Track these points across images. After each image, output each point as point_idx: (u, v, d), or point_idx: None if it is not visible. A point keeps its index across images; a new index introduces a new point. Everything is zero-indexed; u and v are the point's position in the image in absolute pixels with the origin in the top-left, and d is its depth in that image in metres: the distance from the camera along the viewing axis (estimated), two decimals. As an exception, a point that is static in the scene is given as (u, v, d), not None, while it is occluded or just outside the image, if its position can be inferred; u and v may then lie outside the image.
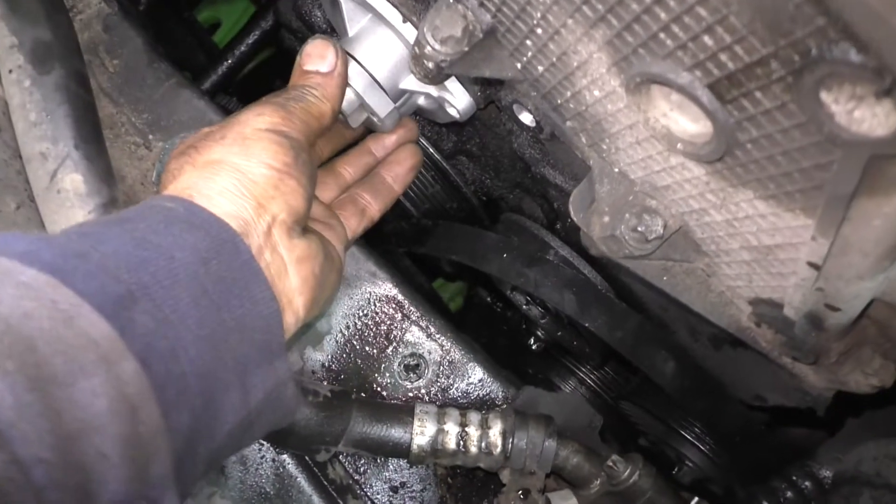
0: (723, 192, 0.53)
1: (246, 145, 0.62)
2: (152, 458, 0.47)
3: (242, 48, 1.40)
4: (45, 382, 0.42)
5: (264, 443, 0.79)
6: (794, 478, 0.83)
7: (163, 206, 0.57)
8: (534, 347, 1.15)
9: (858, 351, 0.64)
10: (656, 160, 0.56)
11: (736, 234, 0.57)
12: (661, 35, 0.44)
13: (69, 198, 0.67)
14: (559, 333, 1.08)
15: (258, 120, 0.64)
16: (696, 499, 0.88)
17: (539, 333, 1.14)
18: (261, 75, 1.58)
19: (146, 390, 0.47)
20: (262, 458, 0.80)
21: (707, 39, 0.41)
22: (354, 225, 0.82)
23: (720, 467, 0.98)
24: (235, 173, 0.60)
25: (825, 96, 0.37)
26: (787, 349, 0.66)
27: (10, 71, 0.69)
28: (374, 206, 0.84)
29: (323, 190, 0.83)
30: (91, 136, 0.70)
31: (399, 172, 0.88)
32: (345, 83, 0.75)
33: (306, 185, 0.64)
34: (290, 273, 0.62)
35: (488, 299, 1.44)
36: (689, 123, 0.50)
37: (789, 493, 0.82)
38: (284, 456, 0.80)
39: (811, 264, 0.51)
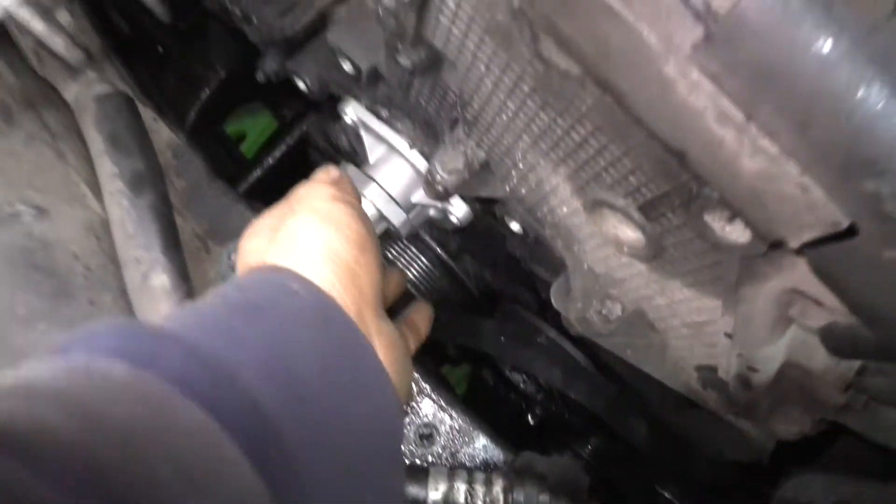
0: (660, 283, 0.71)
1: (321, 216, 0.59)
2: None
3: (270, 161, 1.62)
4: None
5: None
6: (755, 527, 0.97)
7: (287, 289, 0.54)
8: (532, 423, 1.29)
9: (783, 406, 0.80)
10: (612, 259, 0.75)
11: (675, 314, 0.74)
12: (603, 174, 0.63)
13: (157, 294, 0.85)
14: (552, 408, 1.23)
15: (320, 190, 0.62)
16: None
17: (536, 410, 1.29)
18: (284, 185, 1.78)
19: None
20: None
21: (632, 178, 0.60)
22: (412, 339, 0.81)
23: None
24: (319, 247, 0.57)
25: (707, 218, 0.55)
26: (728, 407, 0.82)
27: (112, 193, 0.89)
28: (420, 329, 0.86)
29: None
30: (173, 244, 0.89)
31: (422, 317, 0.90)
32: None
33: (380, 260, 0.62)
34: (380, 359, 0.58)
35: (491, 384, 1.59)
36: (630, 233, 0.68)
37: (752, 541, 0.95)
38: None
39: (727, 335, 0.69)
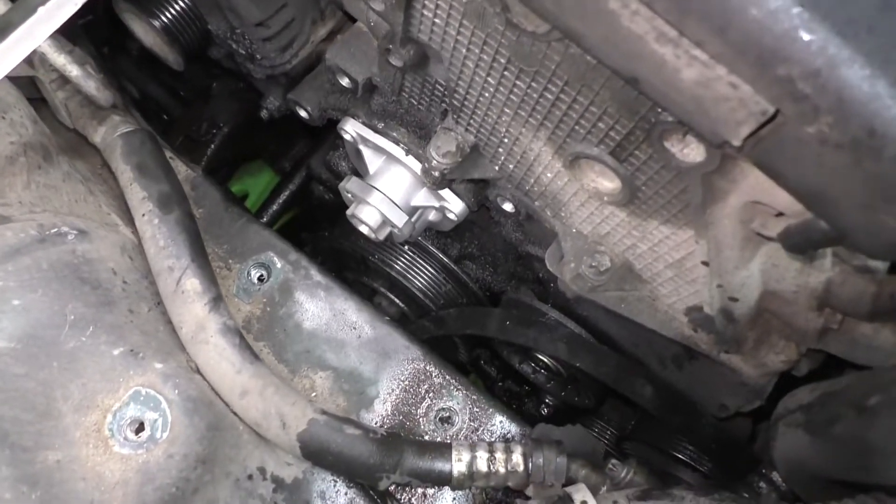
0: (640, 227, 0.80)
1: None
2: None
3: (275, 207, 1.73)
4: None
5: (338, 478, 1.00)
6: (763, 471, 1.02)
7: None
8: (545, 413, 1.35)
9: (768, 338, 0.87)
10: (596, 214, 0.84)
11: (658, 258, 0.83)
12: (576, 127, 0.73)
13: (190, 296, 0.93)
14: (563, 394, 1.30)
15: None
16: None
17: (548, 399, 1.36)
18: (289, 230, 1.89)
19: None
20: (336, 491, 1.00)
21: (601, 124, 0.70)
22: None
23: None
24: None
25: (668, 144, 0.65)
26: (718, 345, 0.89)
27: (143, 215, 0.98)
28: None
29: None
30: (200, 253, 0.98)
31: None
32: None
33: None
34: None
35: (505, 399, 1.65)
36: (607, 182, 0.78)
37: (762, 483, 1.01)
38: (354, 489, 1.00)
39: (704, 263, 0.77)
